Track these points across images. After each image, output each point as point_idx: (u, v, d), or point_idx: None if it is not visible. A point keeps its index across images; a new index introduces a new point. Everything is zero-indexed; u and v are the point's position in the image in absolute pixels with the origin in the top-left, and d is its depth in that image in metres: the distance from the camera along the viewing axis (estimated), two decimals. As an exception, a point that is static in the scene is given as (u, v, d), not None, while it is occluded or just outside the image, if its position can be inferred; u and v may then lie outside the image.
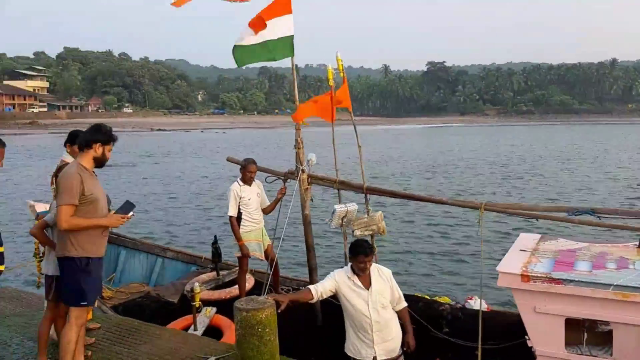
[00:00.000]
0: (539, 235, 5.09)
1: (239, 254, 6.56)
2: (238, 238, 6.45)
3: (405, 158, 37.17)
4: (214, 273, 7.33)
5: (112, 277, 8.01)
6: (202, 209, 19.11)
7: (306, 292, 4.82)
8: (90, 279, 4.07)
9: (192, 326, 5.88)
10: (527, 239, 4.97)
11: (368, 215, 5.90)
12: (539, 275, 4.03)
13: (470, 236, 13.82)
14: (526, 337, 4.20)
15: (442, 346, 5.55)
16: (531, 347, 4.19)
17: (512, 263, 4.30)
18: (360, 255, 4.62)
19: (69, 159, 4.84)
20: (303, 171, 6.08)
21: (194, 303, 5.86)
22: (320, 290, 4.74)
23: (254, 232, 6.60)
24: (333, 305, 6.16)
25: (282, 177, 6.47)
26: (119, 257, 8.35)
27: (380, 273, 4.78)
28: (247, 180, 6.56)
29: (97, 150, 4.17)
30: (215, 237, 7.49)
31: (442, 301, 6.51)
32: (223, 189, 20.86)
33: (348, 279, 4.70)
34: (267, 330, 4.21)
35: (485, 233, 4.87)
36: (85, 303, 4.08)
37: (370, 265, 4.68)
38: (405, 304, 4.84)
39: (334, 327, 5.41)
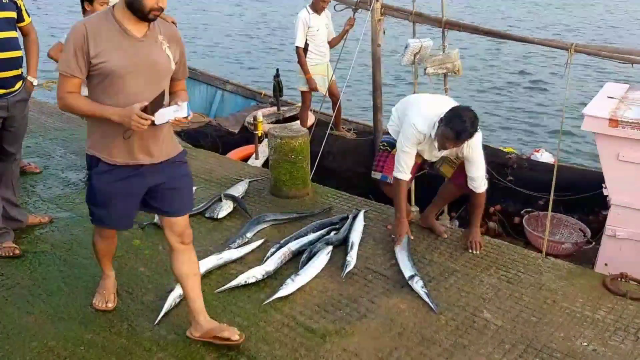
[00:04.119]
0: (627, 85, 4.73)
1: (303, 88, 6.35)
2: (306, 71, 6.16)
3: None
4: (274, 108, 7.25)
5: None
6: (260, 40, 18.41)
7: (401, 190, 3.78)
8: (96, 189, 2.64)
9: (254, 155, 5.91)
10: (614, 88, 4.62)
11: (444, 52, 5.45)
12: (630, 120, 3.75)
13: (550, 86, 13.00)
14: (603, 185, 4.05)
15: (505, 194, 5.49)
16: (606, 197, 4.06)
17: (599, 107, 4.00)
18: (451, 140, 3.37)
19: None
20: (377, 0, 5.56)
21: (257, 132, 5.83)
22: (407, 171, 3.73)
23: (320, 65, 6.30)
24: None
25: (353, 6, 5.95)
26: None
27: (461, 149, 3.55)
28: (318, 9, 6.11)
29: None
30: (277, 70, 7.26)
31: (507, 151, 6.37)
32: (285, 16, 19.99)
33: (431, 138, 3.57)
34: (300, 157, 4.51)
35: (570, 82, 4.39)
36: (91, 218, 2.79)
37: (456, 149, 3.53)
38: (480, 190, 3.69)
39: None
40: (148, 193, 2.68)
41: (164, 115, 2.42)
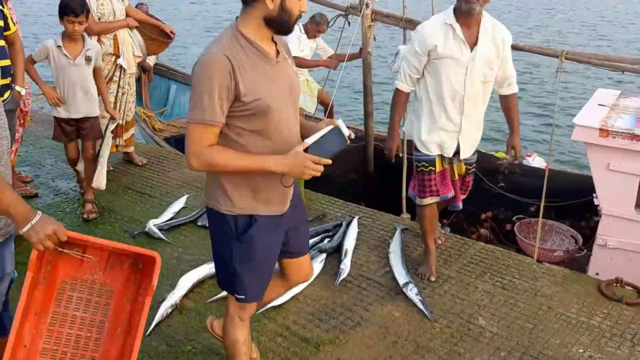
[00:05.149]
0: (619, 91, 4.72)
1: None
2: (314, 64, 6.12)
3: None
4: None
5: (164, 111, 8.09)
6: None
7: (400, 102, 3.47)
8: (258, 251, 2.11)
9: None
10: (605, 94, 4.61)
11: None
12: (620, 130, 3.74)
13: (541, 89, 13.02)
14: (593, 195, 4.04)
15: (496, 200, 5.47)
16: (597, 206, 4.04)
17: (589, 116, 3.99)
18: None
19: None
20: (367, 5, 5.53)
21: None
22: (409, 82, 3.42)
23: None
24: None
25: (343, 13, 5.93)
26: (170, 91, 8.35)
27: (495, 31, 3.25)
28: (309, 34, 6.08)
29: None
30: None
31: (498, 156, 6.36)
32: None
33: (446, 26, 3.21)
34: None
35: (561, 89, 4.36)
36: (243, 297, 2.18)
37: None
38: (515, 89, 3.63)
39: (386, 173, 5.36)
40: None
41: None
